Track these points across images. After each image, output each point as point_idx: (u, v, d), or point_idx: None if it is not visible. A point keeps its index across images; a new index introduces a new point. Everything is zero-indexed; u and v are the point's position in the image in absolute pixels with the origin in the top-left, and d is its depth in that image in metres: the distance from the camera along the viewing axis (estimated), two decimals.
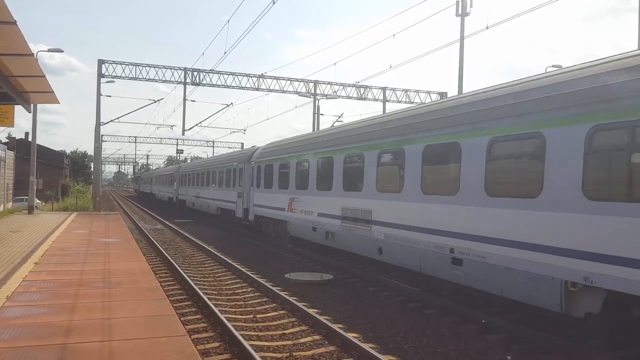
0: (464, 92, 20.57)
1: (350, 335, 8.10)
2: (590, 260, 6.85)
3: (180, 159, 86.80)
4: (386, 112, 14.02)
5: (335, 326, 8.60)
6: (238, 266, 14.79)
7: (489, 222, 8.71)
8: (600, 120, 6.76)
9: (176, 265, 14.36)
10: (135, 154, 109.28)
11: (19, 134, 75.85)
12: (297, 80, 35.44)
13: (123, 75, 32.01)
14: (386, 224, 11.90)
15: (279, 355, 7.54)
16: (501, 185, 8.66)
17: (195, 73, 33.36)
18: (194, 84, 33.48)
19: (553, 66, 29.65)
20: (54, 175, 62.30)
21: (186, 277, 12.65)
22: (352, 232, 13.43)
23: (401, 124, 11.72)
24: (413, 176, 10.94)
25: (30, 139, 32.70)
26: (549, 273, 7.50)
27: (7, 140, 60.38)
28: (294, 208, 17.48)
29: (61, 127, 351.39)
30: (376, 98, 37.54)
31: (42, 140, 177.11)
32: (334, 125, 28.45)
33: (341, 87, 36.52)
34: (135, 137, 78.17)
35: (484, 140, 8.84)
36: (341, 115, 37.95)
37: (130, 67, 32.19)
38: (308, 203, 16.41)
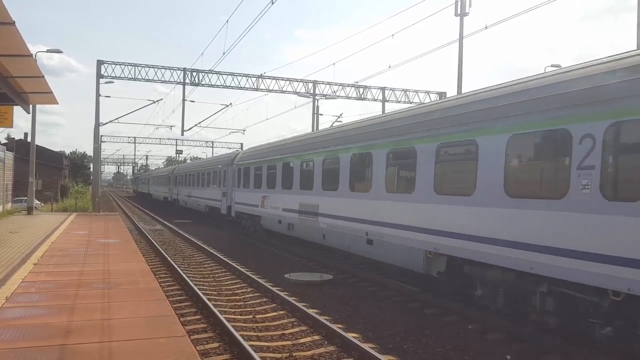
0: (463, 91, 20.56)
1: (350, 335, 8.10)
2: (438, 236, 9.89)
3: (180, 159, 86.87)
4: (349, 122, 17.34)
5: (334, 326, 8.60)
6: (237, 266, 14.79)
7: (387, 211, 11.68)
8: (441, 140, 9.98)
9: (175, 266, 14.36)
10: (135, 155, 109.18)
11: (18, 135, 75.80)
12: (296, 80, 35.43)
13: (122, 75, 31.98)
14: (328, 215, 14.68)
15: (279, 355, 7.54)
16: (394, 184, 11.68)
17: (194, 73, 33.34)
18: (193, 84, 33.46)
19: (552, 66, 29.65)
20: (53, 176, 62.28)
21: (185, 277, 12.65)
22: (306, 223, 16.16)
23: (337, 137, 14.66)
24: (345, 177, 13.74)
25: (29, 139, 32.68)
26: (417, 246, 10.57)
27: (6, 141, 60.40)
28: (265, 205, 20.20)
29: (60, 128, 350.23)
30: (375, 98, 37.54)
31: (41, 141, 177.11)
32: (333, 125, 28.54)
33: (340, 87, 36.51)
34: (135, 137, 78.18)
35: (384, 152, 11.88)
36: (340, 115, 37.90)
37: (130, 67, 32.17)
38: (275, 200, 19.05)
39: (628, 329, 6.81)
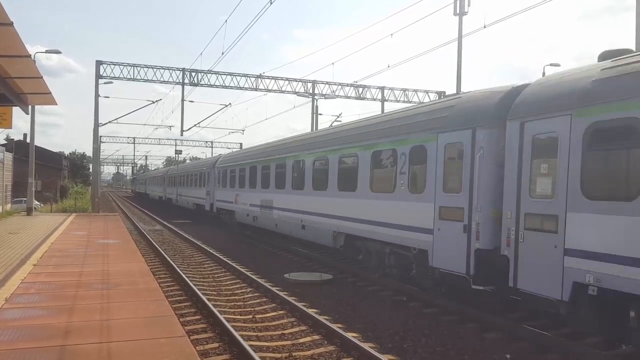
0: (461, 90, 20.52)
1: (350, 335, 8.10)
2: (339, 220, 14.01)
3: (180, 159, 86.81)
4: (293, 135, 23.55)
5: (334, 326, 8.60)
6: (237, 266, 14.79)
7: (313, 204, 15.75)
8: (340, 153, 14.20)
9: (175, 266, 14.35)
10: (134, 155, 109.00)
11: (17, 136, 75.51)
12: (295, 80, 35.38)
13: (121, 76, 31.92)
14: (279, 208, 18.75)
15: (279, 355, 7.54)
16: (318, 183, 15.53)
17: (193, 73, 33.29)
18: (192, 84, 33.40)
19: (551, 65, 29.64)
20: (52, 177, 62.18)
21: (185, 277, 12.65)
22: (265, 215, 20.26)
23: (283, 147, 19.08)
24: (289, 179, 17.89)
25: (28, 140, 32.65)
26: (329, 228, 14.65)
27: (6, 142, 60.33)
28: (238, 201, 24.25)
29: (59, 129, 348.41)
30: (374, 98, 37.51)
31: (40, 141, 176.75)
32: (332, 125, 28.61)
33: (339, 86, 36.45)
34: (134, 137, 78.03)
35: (312, 159, 16.07)
36: (339, 115, 37.85)
37: (129, 67, 32.11)
38: (245, 197, 23.11)
39: (424, 270, 10.59)
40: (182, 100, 34.24)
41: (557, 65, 29.24)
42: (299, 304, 10.14)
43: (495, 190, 8.75)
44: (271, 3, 17.04)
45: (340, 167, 14.15)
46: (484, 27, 20.45)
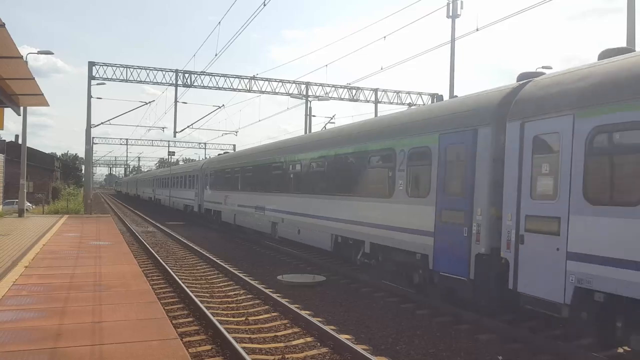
0: (455, 92, 20.62)
1: (343, 337, 8.10)
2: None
3: (172, 160, 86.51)
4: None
5: (327, 328, 8.60)
6: (230, 268, 14.75)
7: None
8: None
9: (168, 268, 14.29)
10: (127, 156, 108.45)
11: (8, 137, 75.03)
12: (288, 82, 35.35)
13: (114, 77, 31.78)
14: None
15: (272, 357, 7.53)
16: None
17: (186, 75, 33.22)
18: (185, 85, 33.32)
19: (543, 67, 29.82)
20: (44, 178, 61.78)
21: (178, 279, 12.60)
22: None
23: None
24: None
25: (20, 141, 32.43)
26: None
27: None
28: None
29: (49, 129, 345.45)
30: (368, 99, 37.56)
31: (31, 142, 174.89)
32: (325, 127, 28.70)
33: (333, 88, 36.48)
34: (127, 139, 77.70)
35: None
36: (333, 116, 37.90)
37: (121, 69, 31.97)
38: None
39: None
40: (175, 101, 34.16)
41: (549, 67, 29.43)
42: (292, 306, 10.13)
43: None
44: (265, 5, 17.06)
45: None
46: (477, 29, 20.56)
